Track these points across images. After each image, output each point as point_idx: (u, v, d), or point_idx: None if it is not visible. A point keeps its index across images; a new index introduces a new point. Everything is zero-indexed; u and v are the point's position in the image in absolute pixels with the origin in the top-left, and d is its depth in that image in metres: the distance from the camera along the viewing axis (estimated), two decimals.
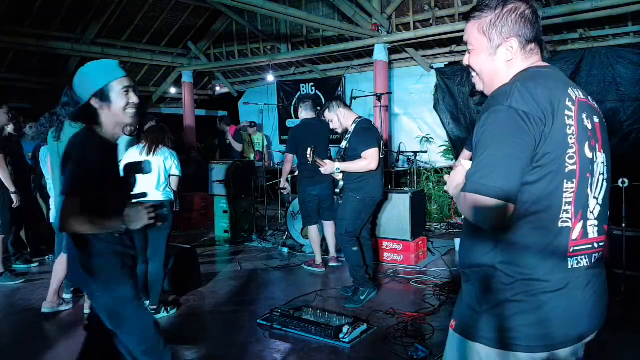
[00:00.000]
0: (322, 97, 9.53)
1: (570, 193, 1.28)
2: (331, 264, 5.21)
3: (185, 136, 10.18)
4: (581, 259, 1.32)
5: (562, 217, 1.28)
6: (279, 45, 9.35)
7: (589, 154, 1.31)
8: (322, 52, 8.27)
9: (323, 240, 5.31)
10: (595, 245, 1.35)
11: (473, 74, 1.49)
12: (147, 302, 3.88)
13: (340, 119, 4.21)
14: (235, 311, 4.04)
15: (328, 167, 4.09)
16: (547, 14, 5.95)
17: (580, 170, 1.29)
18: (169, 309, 3.93)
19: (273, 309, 3.74)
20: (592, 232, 1.34)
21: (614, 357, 3.01)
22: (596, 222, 1.35)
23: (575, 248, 1.30)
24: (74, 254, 2.01)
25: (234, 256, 5.84)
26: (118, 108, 1.99)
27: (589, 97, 1.40)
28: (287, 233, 6.12)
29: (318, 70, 9.69)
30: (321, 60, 9.43)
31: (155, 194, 3.87)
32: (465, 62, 1.50)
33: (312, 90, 9.78)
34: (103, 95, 1.96)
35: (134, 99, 2.02)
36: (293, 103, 9.76)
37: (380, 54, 7.45)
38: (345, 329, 3.32)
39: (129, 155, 4.02)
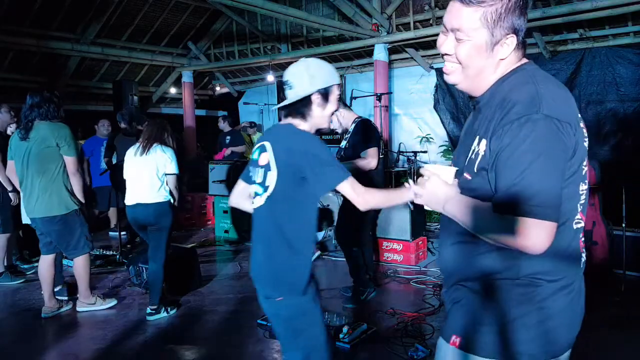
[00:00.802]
0: None
1: (584, 195, 1.27)
2: None
3: (185, 136, 10.17)
4: (584, 254, 1.33)
5: (575, 219, 1.27)
6: (279, 45, 9.35)
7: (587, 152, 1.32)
8: (322, 52, 8.26)
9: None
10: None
11: (450, 63, 1.31)
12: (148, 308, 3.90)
13: (339, 118, 4.20)
14: (235, 311, 4.03)
15: None
16: (547, 14, 5.95)
17: (588, 170, 1.29)
18: (169, 309, 3.92)
19: None
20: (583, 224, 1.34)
21: (614, 357, 3.01)
22: (584, 215, 1.35)
23: (581, 244, 1.31)
24: (281, 258, 1.95)
25: (234, 256, 5.84)
26: (329, 111, 2.04)
27: None
28: None
29: None
30: None
31: (148, 197, 3.78)
32: (449, 50, 1.28)
33: None
34: (325, 94, 2.00)
35: (339, 107, 2.08)
36: None
37: (380, 54, 7.45)
38: (345, 329, 3.31)
39: (128, 155, 3.97)
